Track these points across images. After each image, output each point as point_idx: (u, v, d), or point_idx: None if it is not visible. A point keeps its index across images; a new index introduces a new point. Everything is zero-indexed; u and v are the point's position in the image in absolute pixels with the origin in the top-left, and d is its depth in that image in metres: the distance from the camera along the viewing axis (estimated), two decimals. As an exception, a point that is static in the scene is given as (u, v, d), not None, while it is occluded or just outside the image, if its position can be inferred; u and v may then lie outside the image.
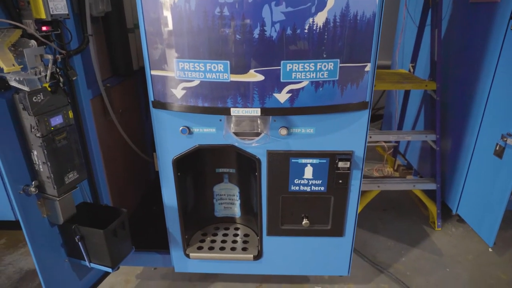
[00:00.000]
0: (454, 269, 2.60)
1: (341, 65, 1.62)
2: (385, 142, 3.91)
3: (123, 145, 2.28)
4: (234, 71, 1.59)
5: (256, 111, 1.66)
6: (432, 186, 2.98)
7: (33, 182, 1.62)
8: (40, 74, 1.46)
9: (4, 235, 2.97)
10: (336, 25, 1.55)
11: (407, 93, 3.50)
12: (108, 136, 2.18)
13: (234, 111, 1.67)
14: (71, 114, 1.65)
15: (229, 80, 1.60)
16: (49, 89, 1.53)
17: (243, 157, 1.93)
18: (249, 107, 1.66)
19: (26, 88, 1.43)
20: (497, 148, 2.40)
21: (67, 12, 1.52)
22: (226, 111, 1.68)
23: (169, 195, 2.00)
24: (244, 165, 2.16)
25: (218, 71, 1.59)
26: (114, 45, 2.10)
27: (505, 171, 2.36)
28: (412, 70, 3.37)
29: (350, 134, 1.82)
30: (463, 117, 2.76)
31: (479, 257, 2.72)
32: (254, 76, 1.60)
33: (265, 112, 1.67)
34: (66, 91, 1.71)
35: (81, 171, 1.76)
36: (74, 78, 1.74)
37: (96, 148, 2.03)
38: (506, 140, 2.30)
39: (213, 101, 1.66)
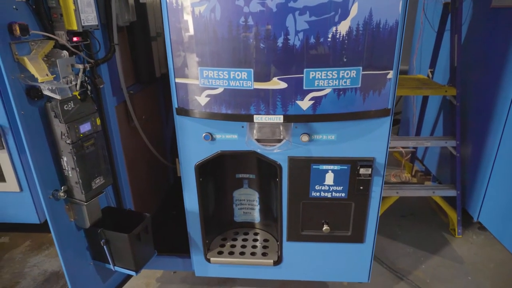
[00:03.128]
0: (476, 278, 2.56)
1: (363, 72, 1.63)
2: (403, 147, 3.88)
3: (144, 150, 2.33)
4: (257, 78, 1.61)
5: (279, 118, 1.68)
6: (452, 192, 2.95)
7: (62, 187, 1.67)
8: (71, 83, 1.52)
9: (29, 238, 3.06)
10: (359, 34, 1.56)
11: (425, 99, 3.48)
12: (131, 142, 2.23)
13: (257, 118, 1.69)
14: (98, 121, 1.70)
15: (252, 88, 1.63)
16: (78, 97, 1.58)
17: (263, 162, 1.95)
18: (272, 114, 1.68)
19: (58, 97, 1.48)
20: (520, 155, 2.37)
21: (96, 23, 1.58)
22: (249, 118, 1.70)
23: (191, 200, 2.03)
24: (264, 171, 2.17)
25: (242, 79, 1.62)
26: (138, 53, 2.15)
27: (529, 178, 2.32)
28: (430, 76, 3.34)
29: (372, 141, 1.83)
30: (485, 123, 2.73)
31: (502, 266, 2.67)
32: (277, 84, 1.62)
33: (288, 119, 1.69)
34: (93, 98, 1.76)
35: (107, 176, 1.81)
36: (101, 86, 1.79)
37: (120, 153, 2.08)
38: (530, 147, 2.27)
39: (236, 108, 1.69)
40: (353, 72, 1.62)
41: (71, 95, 1.54)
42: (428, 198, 3.27)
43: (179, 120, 1.84)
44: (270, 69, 1.59)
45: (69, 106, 1.53)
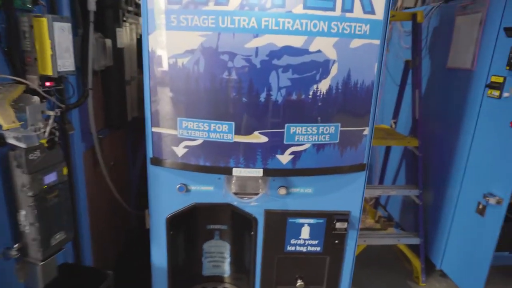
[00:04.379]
0: (443, 329, 2.57)
1: (341, 129, 1.67)
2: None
3: (108, 197, 2.18)
4: (238, 132, 1.59)
5: (258, 172, 1.66)
6: (416, 240, 3.02)
7: (15, 245, 1.49)
8: (39, 130, 1.40)
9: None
10: (338, 92, 1.61)
11: (388, 147, 3.64)
12: (95, 188, 2.08)
13: (236, 171, 1.65)
14: (65, 171, 1.57)
15: (232, 141, 1.60)
16: (46, 145, 1.46)
17: (236, 213, 1.89)
18: (251, 168, 1.65)
19: (23, 145, 1.36)
20: (479, 207, 2.49)
21: (73, 69, 1.50)
22: (228, 171, 1.66)
23: (159, 255, 1.90)
24: (237, 221, 2.10)
25: (222, 131, 1.59)
26: (112, 97, 2.07)
27: (488, 229, 2.44)
28: (394, 126, 3.52)
29: (348, 194, 1.85)
30: (445, 174, 2.87)
31: (465, 315, 2.71)
32: (258, 138, 1.61)
33: (268, 173, 1.67)
34: (61, 145, 1.64)
35: (69, 231, 1.65)
36: (71, 133, 1.68)
37: (83, 203, 1.92)
38: (488, 200, 2.40)
39: (215, 161, 1.64)
40: (332, 128, 1.65)
41: (38, 143, 1.42)
42: (392, 245, 3.32)
43: (152, 170, 1.75)
44: (252, 123, 1.59)
45: (35, 155, 1.41)
